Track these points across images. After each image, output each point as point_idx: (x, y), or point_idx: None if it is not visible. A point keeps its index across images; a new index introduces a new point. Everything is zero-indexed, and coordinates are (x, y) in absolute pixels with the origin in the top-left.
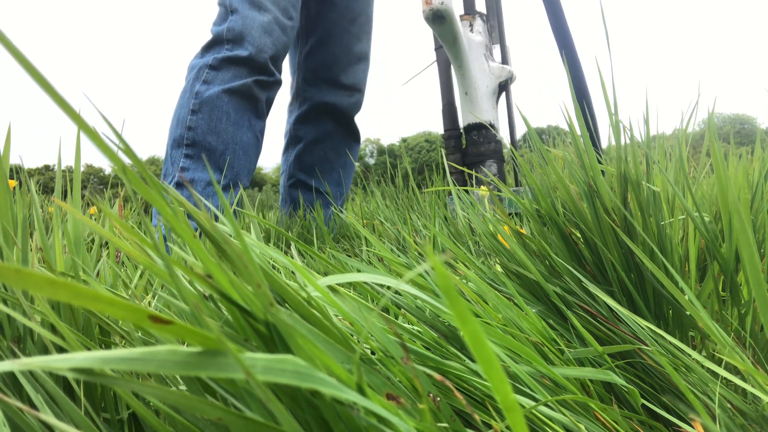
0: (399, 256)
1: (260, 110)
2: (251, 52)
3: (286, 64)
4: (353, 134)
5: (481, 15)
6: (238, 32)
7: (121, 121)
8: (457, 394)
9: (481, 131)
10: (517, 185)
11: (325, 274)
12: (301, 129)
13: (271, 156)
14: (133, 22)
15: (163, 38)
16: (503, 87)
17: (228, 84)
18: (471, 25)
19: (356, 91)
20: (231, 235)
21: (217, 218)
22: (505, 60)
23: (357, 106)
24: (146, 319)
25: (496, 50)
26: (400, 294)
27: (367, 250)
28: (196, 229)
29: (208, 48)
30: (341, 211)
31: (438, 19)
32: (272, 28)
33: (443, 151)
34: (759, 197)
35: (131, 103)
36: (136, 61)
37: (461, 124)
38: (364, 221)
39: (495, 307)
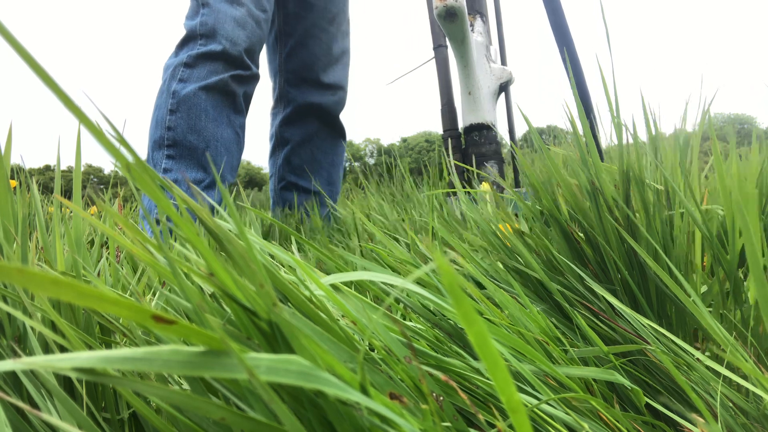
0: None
1: (238, 105)
2: (225, 47)
3: (264, 65)
4: (339, 132)
5: (481, 15)
6: (211, 26)
7: (122, 121)
8: (462, 394)
9: (482, 132)
10: (517, 186)
11: (319, 263)
12: (287, 131)
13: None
14: (133, 22)
15: (162, 38)
16: (503, 88)
17: (204, 81)
18: (472, 25)
19: (339, 89)
20: (233, 233)
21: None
22: (503, 61)
23: (341, 104)
24: (150, 319)
25: (495, 51)
26: (401, 290)
27: (360, 246)
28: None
29: (182, 45)
30: (335, 208)
31: (450, 16)
32: (246, 21)
33: (446, 151)
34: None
35: (129, 104)
36: (135, 62)
37: (461, 125)
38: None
39: (500, 304)
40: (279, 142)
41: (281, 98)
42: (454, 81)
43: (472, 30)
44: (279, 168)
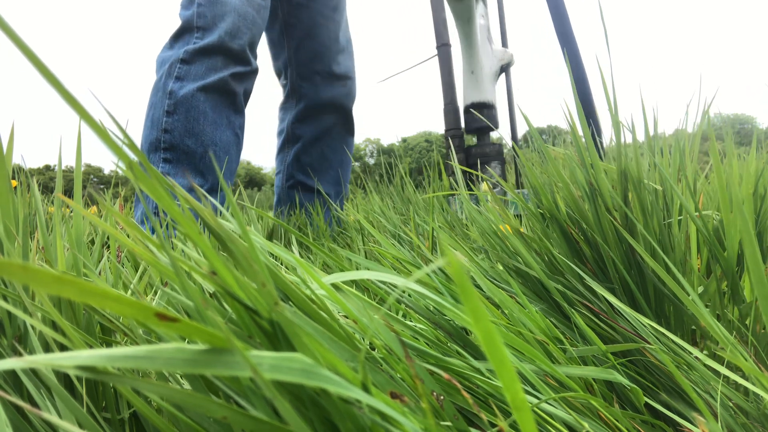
0: (400, 251)
1: (238, 105)
2: (224, 40)
3: (265, 58)
4: (349, 128)
5: None
6: (209, 18)
7: (124, 120)
8: (465, 393)
9: (483, 111)
10: (518, 187)
11: (324, 266)
12: (300, 127)
13: (271, 156)
14: (137, 22)
15: (161, 31)
16: (503, 70)
17: (202, 80)
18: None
19: (348, 79)
20: (235, 233)
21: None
22: (504, 44)
23: (352, 96)
24: (153, 317)
25: (496, 34)
26: (402, 290)
27: (365, 247)
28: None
29: (177, 37)
30: (339, 210)
31: None
32: (245, 11)
33: (450, 151)
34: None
35: (129, 101)
36: (133, 59)
37: (462, 103)
38: (364, 219)
39: (500, 303)
40: (289, 138)
41: (293, 93)
42: (457, 80)
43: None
44: (288, 166)
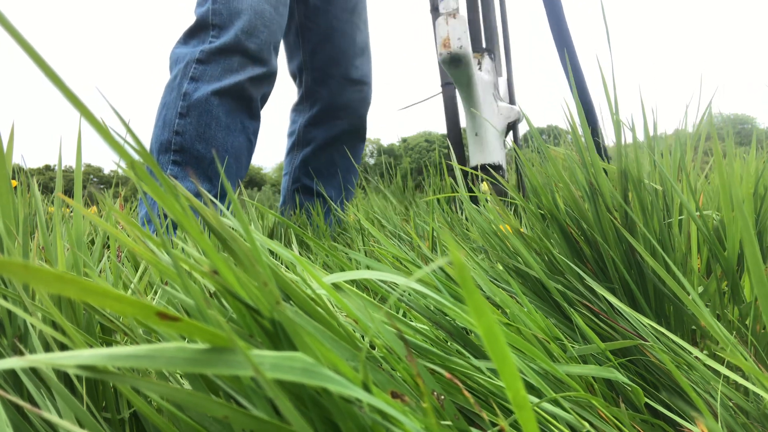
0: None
1: (255, 110)
2: (241, 39)
3: (281, 59)
4: (361, 134)
5: (489, 52)
6: (225, 15)
7: (126, 120)
8: (466, 392)
9: (489, 173)
10: (519, 189)
11: (325, 266)
12: (312, 131)
13: (271, 156)
14: (139, 22)
15: (164, 30)
16: (511, 127)
17: (218, 82)
18: (480, 63)
19: (364, 84)
20: (236, 232)
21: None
22: (512, 100)
23: (367, 102)
24: (153, 316)
25: (504, 88)
26: (402, 289)
27: (365, 247)
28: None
29: (192, 34)
30: (340, 210)
31: (455, 62)
32: (262, 8)
33: (450, 151)
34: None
35: (133, 104)
36: (140, 61)
37: (470, 165)
38: (364, 218)
39: (502, 302)
40: (300, 141)
41: (307, 97)
42: (461, 113)
43: (480, 68)
44: (295, 169)
